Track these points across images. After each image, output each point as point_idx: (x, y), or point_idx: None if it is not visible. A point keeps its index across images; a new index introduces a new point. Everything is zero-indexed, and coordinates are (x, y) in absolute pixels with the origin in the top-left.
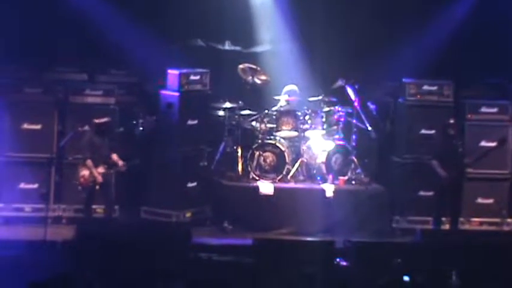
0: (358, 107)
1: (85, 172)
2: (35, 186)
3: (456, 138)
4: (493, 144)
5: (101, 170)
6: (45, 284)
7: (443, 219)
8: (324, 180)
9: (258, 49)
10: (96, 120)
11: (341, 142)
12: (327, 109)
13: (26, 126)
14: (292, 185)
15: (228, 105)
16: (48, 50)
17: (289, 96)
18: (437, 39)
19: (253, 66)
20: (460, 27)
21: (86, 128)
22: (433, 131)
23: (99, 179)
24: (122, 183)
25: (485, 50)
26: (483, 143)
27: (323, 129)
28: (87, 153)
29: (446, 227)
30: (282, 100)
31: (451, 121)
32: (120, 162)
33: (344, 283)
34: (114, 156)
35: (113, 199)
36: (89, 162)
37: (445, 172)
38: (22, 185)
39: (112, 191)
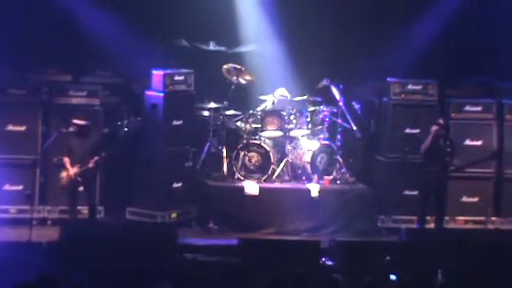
0: (343, 107)
1: (63, 173)
2: (20, 187)
3: (444, 138)
4: (478, 143)
5: (75, 169)
6: (31, 285)
7: (428, 218)
8: (309, 180)
9: (243, 49)
10: (75, 121)
11: (326, 142)
12: (311, 109)
13: (10, 127)
14: (277, 185)
15: (212, 105)
16: (33, 51)
17: (277, 98)
18: (422, 38)
19: (238, 67)
20: (445, 27)
21: (71, 128)
22: (417, 130)
23: (71, 176)
24: (107, 184)
25: (470, 48)
26: (467, 142)
27: (308, 129)
28: (65, 152)
29: (431, 225)
30: (268, 100)
31: (440, 121)
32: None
33: (333, 283)
34: (94, 158)
35: (95, 199)
36: (66, 159)
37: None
38: (7, 187)
39: (93, 191)
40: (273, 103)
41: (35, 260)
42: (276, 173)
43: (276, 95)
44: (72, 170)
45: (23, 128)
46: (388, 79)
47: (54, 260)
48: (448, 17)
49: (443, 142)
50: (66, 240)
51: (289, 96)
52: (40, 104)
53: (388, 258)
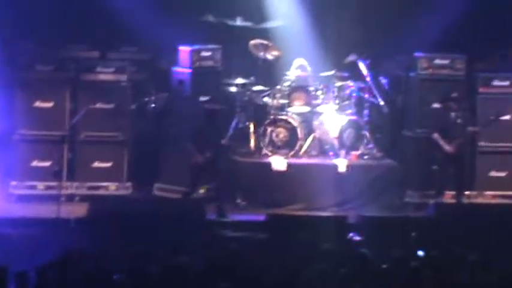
0: (370, 82)
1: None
2: (48, 164)
3: (457, 112)
4: (506, 117)
5: (208, 154)
6: (59, 262)
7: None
8: (337, 156)
9: (270, 25)
10: (208, 106)
11: (353, 117)
12: (339, 84)
13: (38, 104)
14: (304, 160)
15: (240, 81)
16: (60, 27)
17: (300, 70)
18: (449, 11)
19: (265, 42)
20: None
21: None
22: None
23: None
24: (134, 161)
25: (499, 21)
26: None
27: (335, 104)
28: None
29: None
30: (291, 75)
31: (454, 95)
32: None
33: (361, 257)
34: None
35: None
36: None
37: (449, 145)
38: (35, 163)
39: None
40: (297, 78)
41: (63, 236)
42: (304, 149)
43: (295, 67)
44: (203, 156)
45: (50, 104)
46: (415, 54)
47: (82, 236)
48: None
49: (456, 116)
50: (93, 217)
51: (308, 67)
52: (68, 81)
53: (414, 234)
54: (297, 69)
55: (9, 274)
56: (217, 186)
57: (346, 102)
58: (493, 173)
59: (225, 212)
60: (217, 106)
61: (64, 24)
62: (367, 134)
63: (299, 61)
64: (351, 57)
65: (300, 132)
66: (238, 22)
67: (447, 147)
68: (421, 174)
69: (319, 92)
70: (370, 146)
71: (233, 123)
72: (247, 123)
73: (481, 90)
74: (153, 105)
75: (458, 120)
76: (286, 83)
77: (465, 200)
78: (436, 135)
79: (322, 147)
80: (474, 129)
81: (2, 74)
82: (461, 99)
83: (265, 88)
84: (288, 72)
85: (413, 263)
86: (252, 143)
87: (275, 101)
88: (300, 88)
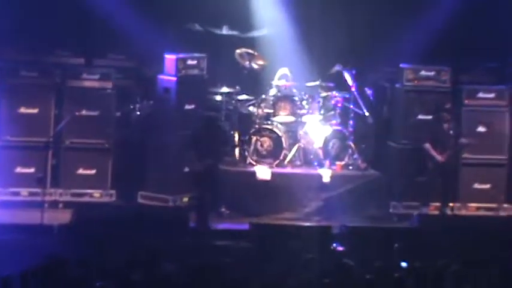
0: (355, 92)
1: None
2: (32, 170)
3: (449, 123)
4: (491, 129)
5: (209, 161)
6: (43, 268)
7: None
8: (321, 166)
9: (256, 34)
10: (205, 113)
11: (338, 127)
12: (324, 94)
13: (22, 110)
14: (289, 170)
15: (225, 90)
16: (46, 34)
17: (284, 80)
18: (435, 24)
19: (251, 51)
20: (457, 12)
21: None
22: (430, 117)
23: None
24: (119, 168)
25: (483, 34)
26: (480, 129)
27: (320, 114)
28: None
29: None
30: (276, 84)
31: (447, 106)
32: None
33: (344, 268)
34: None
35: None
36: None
37: (440, 155)
38: (19, 169)
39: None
40: (283, 88)
41: (46, 242)
42: (288, 158)
43: (279, 77)
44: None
45: (35, 111)
46: (401, 65)
47: (65, 243)
48: (460, 3)
49: (448, 127)
50: (77, 224)
51: (290, 75)
52: (53, 87)
53: (397, 245)
54: (280, 78)
55: None
56: (203, 195)
57: (331, 113)
58: (477, 185)
59: (209, 221)
60: (215, 113)
61: (50, 31)
62: (352, 144)
63: (282, 70)
64: (337, 68)
65: (284, 142)
66: (224, 31)
67: (439, 158)
68: (406, 185)
69: (304, 102)
70: (355, 156)
71: None
72: (232, 132)
73: (466, 102)
74: (138, 112)
75: (451, 132)
76: (272, 93)
77: (449, 212)
78: (427, 146)
79: (306, 157)
80: (467, 141)
81: None
82: (453, 110)
83: (251, 97)
84: (272, 82)
85: (397, 273)
86: (237, 152)
87: (260, 111)
88: (285, 98)
